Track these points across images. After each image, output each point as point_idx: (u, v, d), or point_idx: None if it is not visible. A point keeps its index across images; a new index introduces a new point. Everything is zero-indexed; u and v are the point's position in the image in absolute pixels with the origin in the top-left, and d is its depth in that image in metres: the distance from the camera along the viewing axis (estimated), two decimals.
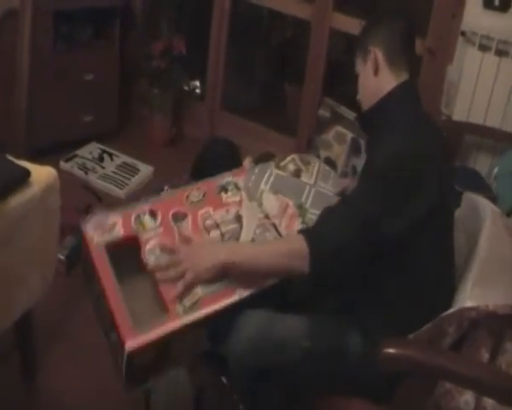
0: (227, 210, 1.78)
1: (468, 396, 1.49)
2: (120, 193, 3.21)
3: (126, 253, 1.64)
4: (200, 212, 1.76)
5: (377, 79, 1.71)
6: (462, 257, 1.69)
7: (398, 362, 1.40)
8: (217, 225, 1.73)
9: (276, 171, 1.99)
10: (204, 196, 1.81)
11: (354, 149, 2.78)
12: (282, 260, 1.55)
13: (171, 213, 1.73)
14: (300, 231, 1.60)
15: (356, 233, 1.51)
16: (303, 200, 1.90)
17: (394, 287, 1.60)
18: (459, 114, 2.80)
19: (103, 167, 3.37)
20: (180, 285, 1.53)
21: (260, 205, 1.83)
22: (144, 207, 1.74)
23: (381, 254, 1.55)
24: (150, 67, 3.63)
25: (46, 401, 2.11)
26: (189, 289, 1.55)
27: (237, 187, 1.88)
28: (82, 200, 3.01)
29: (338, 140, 2.85)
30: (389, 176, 1.55)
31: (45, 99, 3.22)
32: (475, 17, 2.74)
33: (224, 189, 1.86)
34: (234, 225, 1.75)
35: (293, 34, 3.95)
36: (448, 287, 1.64)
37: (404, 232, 1.54)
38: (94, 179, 3.27)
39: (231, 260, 1.56)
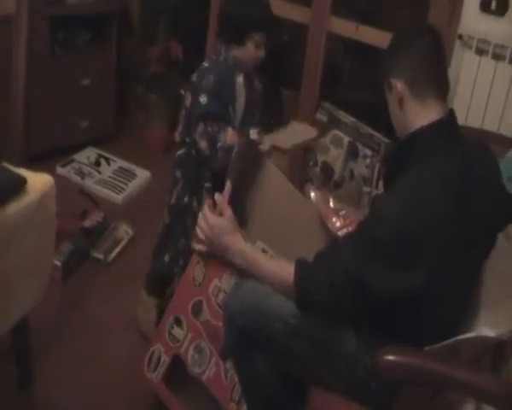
0: (230, 273, 1.81)
1: (468, 406, 1.48)
2: (117, 198, 3.19)
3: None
4: (210, 289, 1.85)
5: (403, 112, 1.58)
6: None
7: (396, 369, 1.40)
8: (225, 293, 1.82)
9: None
10: (206, 268, 1.86)
11: (351, 154, 2.78)
12: (277, 284, 1.64)
13: (190, 308, 1.88)
14: (296, 264, 1.61)
15: (336, 285, 1.51)
16: None
17: (398, 316, 1.54)
18: (456, 118, 2.78)
19: (100, 172, 3.36)
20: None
21: (255, 241, 1.85)
22: (168, 313, 1.94)
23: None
24: (147, 72, 3.63)
25: (43, 408, 2.10)
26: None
27: None
28: (79, 205, 3.00)
29: (335, 144, 2.85)
30: (384, 246, 1.46)
31: (42, 104, 3.22)
32: (472, 21, 2.74)
33: None
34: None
35: (290, 38, 3.94)
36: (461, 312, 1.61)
37: (397, 292, 1.48)
38: (91, 184, 3.25)
39: (241, 265, 1.73)
